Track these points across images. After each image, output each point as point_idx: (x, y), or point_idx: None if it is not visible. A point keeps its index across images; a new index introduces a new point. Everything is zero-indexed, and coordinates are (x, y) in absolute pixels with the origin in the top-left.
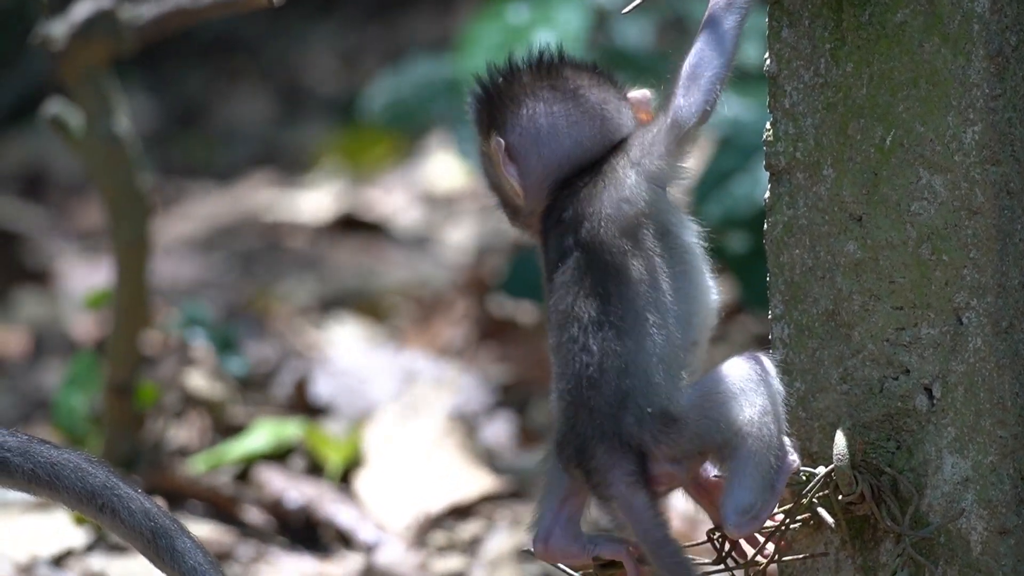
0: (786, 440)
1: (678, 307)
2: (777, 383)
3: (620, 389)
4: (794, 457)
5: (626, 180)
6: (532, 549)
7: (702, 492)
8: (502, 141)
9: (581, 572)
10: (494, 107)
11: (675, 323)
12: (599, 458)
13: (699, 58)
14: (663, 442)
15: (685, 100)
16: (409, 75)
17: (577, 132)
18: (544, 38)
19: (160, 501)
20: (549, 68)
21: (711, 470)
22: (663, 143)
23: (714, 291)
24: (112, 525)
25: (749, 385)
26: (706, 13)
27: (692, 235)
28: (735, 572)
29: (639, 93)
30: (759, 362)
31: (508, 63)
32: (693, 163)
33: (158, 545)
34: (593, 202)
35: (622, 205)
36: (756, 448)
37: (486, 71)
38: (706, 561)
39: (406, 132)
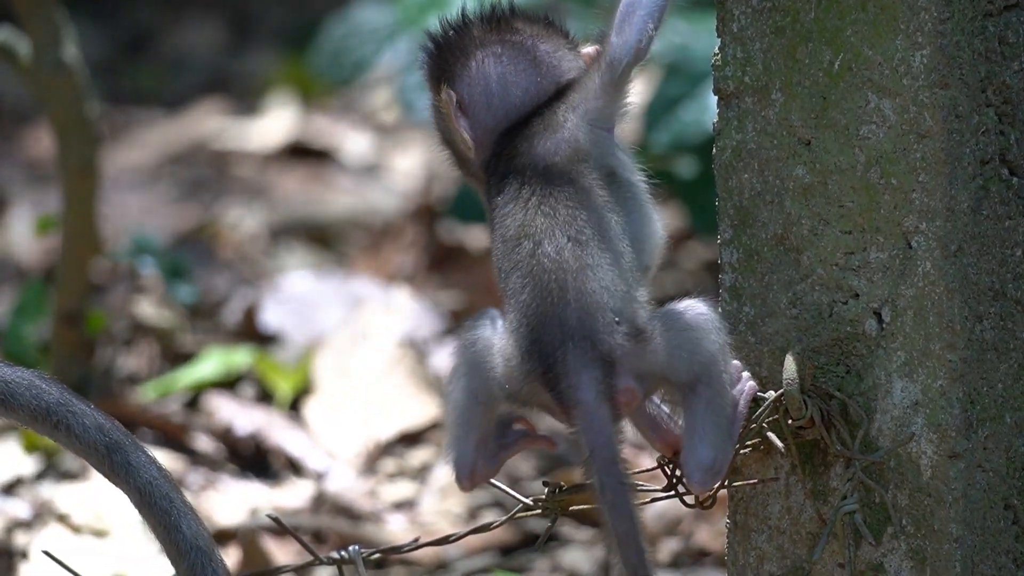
0: (744, 377)
1: (629, 233)
2: (725, 332)
3: (588, 297)
4: (746, 394)
5: (565, 123)
6: (458, 485)
7: (650, 424)
8: (453, 94)
9: (532, 499)
10: (444, 60)
11: (629, 245)
12: (569, 363)
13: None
14: (631, 352)
15: (618, 39)
16: (354, 24)
17: (526, 83)
18: None
19: None
20: (499, 20)
21: (663, 409)
22: (599, 83)
23: (660, 229)
24: (67, 442)
25: (708, 324)
26: None
27: (636, 175)
28: (685, 498)
29: (591, 48)
30: (711, 308)
31: (459, 15)
32: (635, 99)
33: (112, 460)
34: (535, 146)
35: (561, 146)
36: (713, 397)
37: (437, 24)
38: (657, 488)
39: (352, 82)
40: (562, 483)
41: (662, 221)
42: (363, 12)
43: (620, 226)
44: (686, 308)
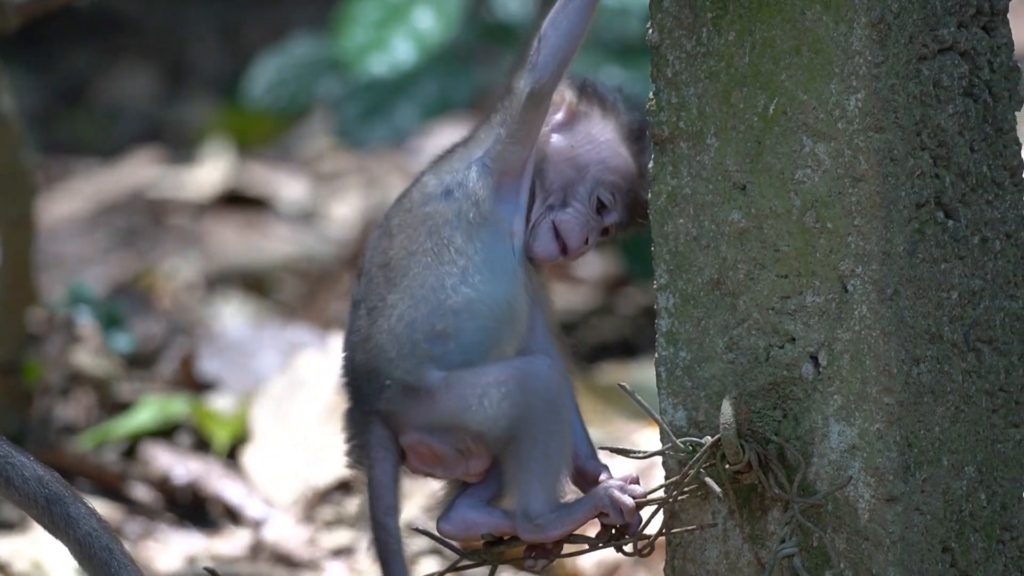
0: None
1: (451, 284)
2: (567, 396)
3: (363, 361)
4: (604, 491)
5: (457, 167)
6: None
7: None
8: None
9: (470, 550)
10: None
11: (428, 305)
12: (355, 424)
13: (542, 33)
14: (401, 411)
15: (522, 71)
16: (290, 56)
17: None
18: (423, 14)
19: None
20: None
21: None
22: (504, 118)
23: (506, 283)
24: (6, 493)
25: (525, 387)
26: None
27: (509, 224)
28: (624, 546)
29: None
30: (547, 364)
31: None
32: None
33: (52, 512)
34: (411, 191)
35: (433, 187)
36: (532, 455)
37: None
38: (595, 538)
39: (288, 113)
40: (501, 535)
41: (516, 277)
42: (298, 45)
43: (432, 281)
44: (500, 370)
